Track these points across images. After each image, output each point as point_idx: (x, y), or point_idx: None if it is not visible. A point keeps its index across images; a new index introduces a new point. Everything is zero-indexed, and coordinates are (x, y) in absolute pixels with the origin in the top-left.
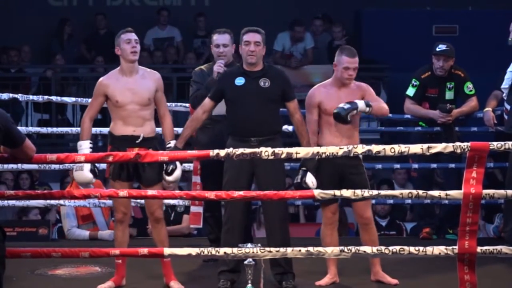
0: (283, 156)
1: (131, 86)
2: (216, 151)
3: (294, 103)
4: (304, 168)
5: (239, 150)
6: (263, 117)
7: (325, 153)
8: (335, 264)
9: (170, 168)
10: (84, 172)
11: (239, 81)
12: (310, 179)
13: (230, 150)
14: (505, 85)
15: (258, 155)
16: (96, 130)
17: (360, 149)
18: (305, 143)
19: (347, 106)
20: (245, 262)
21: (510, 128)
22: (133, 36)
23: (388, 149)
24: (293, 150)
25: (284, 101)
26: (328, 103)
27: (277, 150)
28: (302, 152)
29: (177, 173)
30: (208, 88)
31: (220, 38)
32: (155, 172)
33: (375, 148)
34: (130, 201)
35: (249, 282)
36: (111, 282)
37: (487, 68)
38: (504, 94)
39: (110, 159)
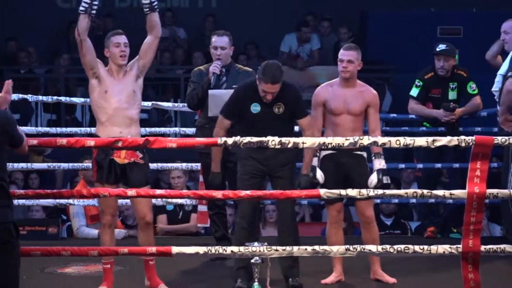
0: (289, 145)
1: (120, 85)
2: (224, 139)
3: (305, 119)
4: (312, 165)
5: (247, 139)
6: (277, 136)
7: (331, 143)
8: (341, 263)
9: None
10: None
11: (255, 107)
12: (320, 174)
13: (237, 138)
14: (495, 87)
15: (265, 144)
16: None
17: (366, 140)
18: (306, 161)
19: (384, 177)
20: (252, 260)
21: (502, 130)
22: (122, 39)
23: (394, 141)
24: (299, 140)
25: (296, 119)
26: (333, 102)
27: (284, 139)
28: (308, 142)
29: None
30: (203, 88)
31: (219, 41)
32: (143, 174)
33: (380, 140)
34: (117, 205)
35: (256, 280)
36: (104, 287)
37: (491, 68)
38: (495, 96)
39: (120, 144)
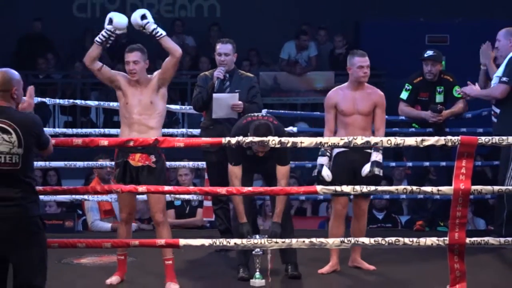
0: (289, 145)
1: (138, 96)
2: (227, 138)
3: (284, 168)
4: (320, 163)
5: (249, 138)
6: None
7: (327, 143)
8: (337, 254)
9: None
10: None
11: (250, 151)
12: (326, 173)
13: (240, 138)
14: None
15: (266, 143)
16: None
17: (360, 140)
18: (278, 212)
19: (376, 169)
20: (253, 252)
21: (497, 129)
22: (131, 57)
23: (385, 141)
24: (298, 139)
25: (277, 163)
26: (344, 104)
27: (283, 139)
28: (306, 141)
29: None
30: (208, 91)
31: (223, 48)
32: (153, 178)
33: (373, 139)
34: (135, 202)
35: (257, 270)
36: (116, 277)
37: (475, 73)
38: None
39: (131, 143)
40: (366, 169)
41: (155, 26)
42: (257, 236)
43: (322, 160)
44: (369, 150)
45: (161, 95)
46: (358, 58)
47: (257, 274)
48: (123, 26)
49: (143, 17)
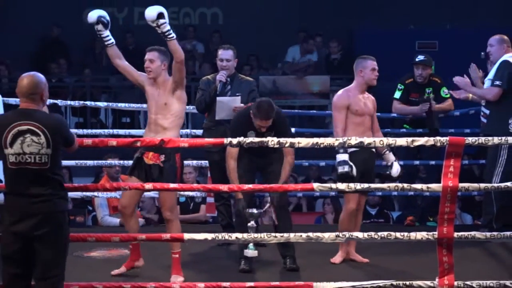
0: (287, 145)
1: (155, 97)
2: (229, 139)
3: (288, 147)
4: (344, 159)
5: (249, 139)
6: (274, 159)
7: (323, 143)
8: (345, 245)
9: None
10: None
11: (251, 135)
12: (355, 169)
13: (241, 139)
14: None
15: (266, 144)
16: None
17: (354, 140)
18: (284, 175)
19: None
20: (249, 224)
21: (486, 130)
22: (148, 55)
23: (378, 141)
24: (295, 140)
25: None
26: (356, 105)
27: (282, 140)
28: (303, 142)
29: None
30: (210, 94)
31: (224, 54)
32: (160, 176)
33: (366, 140)
34: (135, 198)
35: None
36: (123, 268)
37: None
38: (482, 100)
39: (138, 144)
40: (398, 168)
41: (169, 27)
42: (254, 210)
43: (345, 157)
44: (373, 149)
45: (177, 97)
46: (371, 61)
47: (251, 245)
48: (93, 20)
49: (160, 15)
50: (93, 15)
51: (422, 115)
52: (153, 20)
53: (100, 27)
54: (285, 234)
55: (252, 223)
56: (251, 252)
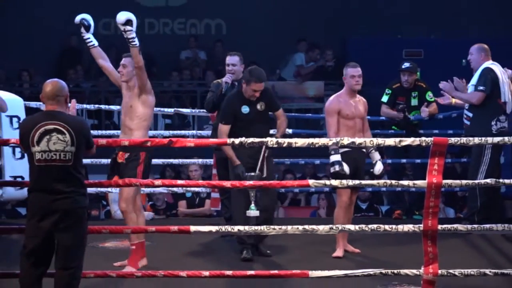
0: (285, 145)
1: (126, 99)
2: (232, 139)
3: (280, 111)
4: (337, 160)
5: (250, 139)
6: (264, 131)
7: (318, 143)
8: (343, 238)
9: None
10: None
11: (245, 109)
12: (347, 167)
13: (242, 139)
14: None
15: (266, 144)
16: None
17: (346, 140)
18: (280, 132)
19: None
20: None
21: (469, 131)
22: (122, 61)
23: (368, 141)
24: (292, 140)
25: (272, 111)
26: (347, 109)
27: (280, 140)
28: (299, 142)
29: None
30: (217, 94)
31: (231, 59)
32: (125, 173)
33: (357, 140)
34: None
35: (252, 203)
36: (125, 262)
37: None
38: (466, 104)
39: (148, 144)
40: (380, 167)
41: (134, 35)
42: (252, 174)
43: (338, 157)
44: (364, 150)
45: (142, 101)
46: (351, 69)
47: (252, 205)
48: (76, 22)
49: (128, 22)
50: (77, 18)
51: (401, 118)
52: (122, 24)
53: (82, 29)
54: (282, 227)
55: (252, 203)
56: (253, 212)
